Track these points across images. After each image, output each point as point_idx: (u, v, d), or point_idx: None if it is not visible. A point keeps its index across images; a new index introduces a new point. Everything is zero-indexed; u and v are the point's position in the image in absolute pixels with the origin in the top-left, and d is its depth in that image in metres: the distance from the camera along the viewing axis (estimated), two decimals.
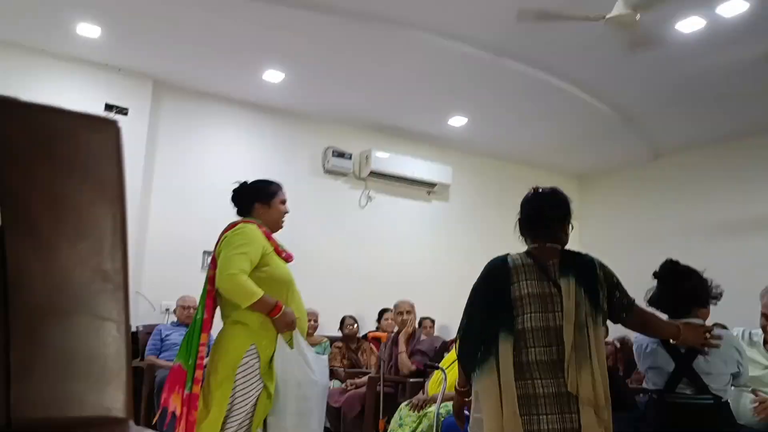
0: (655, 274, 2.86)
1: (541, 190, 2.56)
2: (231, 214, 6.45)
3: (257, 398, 2.74)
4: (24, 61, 5.32)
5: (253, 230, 2.94)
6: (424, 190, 7.57)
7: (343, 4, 4.58)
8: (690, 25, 4.61)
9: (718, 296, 2.79)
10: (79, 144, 0.50)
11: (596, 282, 2.32)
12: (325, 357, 3.14)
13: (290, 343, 2.84)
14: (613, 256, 8.01)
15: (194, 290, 5.71)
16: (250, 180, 3.26)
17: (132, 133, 5.67)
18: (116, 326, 0.50)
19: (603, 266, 2.40)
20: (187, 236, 6.03)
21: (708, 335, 2.53)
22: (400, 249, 7.28)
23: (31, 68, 5.35)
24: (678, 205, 7.55)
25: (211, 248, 6.44)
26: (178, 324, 5.40)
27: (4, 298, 0.47)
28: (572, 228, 2.54)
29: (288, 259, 3.05)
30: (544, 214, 2.46)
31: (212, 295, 2.97)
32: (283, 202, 3.20)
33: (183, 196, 6.09)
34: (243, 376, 2.74)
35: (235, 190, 3.22)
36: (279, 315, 2.78)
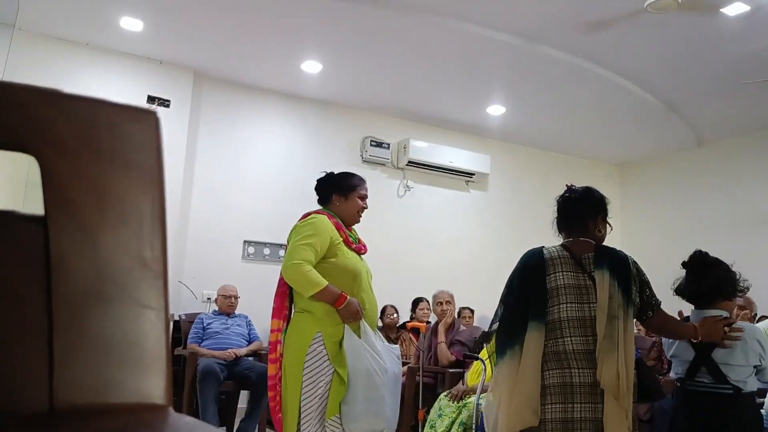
0: (684, 264, 2.89)
1: (574, 188, 2.63)
2: (271, 204, 6.53)
3: (329, 384, 2.79)
4: (69, 55, 5.44)
5: (322, 221, 2.95)
6: (462, 180, 7.53)
7: None
8: (734, 9, 4.48)
9: (744, 290, 2.84)
10: (119, 133, 0.51)
11: (630, 276, 2.38)
12: (396, 346, 3.18)
13: (358, 333, 2.87)
14: (655, 244, 7.94)
15: (235, 279, 5.81)
16: (333, 171, 3.25)
17: (174, 124, 5.76)
18: (155, 313, 0.51)
19: (636, 263, 2.45)
20: (228, 226, 6.12)
21: (727, 329, 2.58)
22: (438, 239, 7.26)
23: (76, 62, 5.47)
24: (722, 194, 7.36)
25: (251, 238, 6.55)
26: (220, 313, 5.48)
27: (48, 284, 0.48)
28: (611, 228, 2.61)
29: (359, 250, 3.07)
30: (577, 210, 2.55)
31: (283, 283, 3.01)
32: (363, 197, 3.15)
33: (223, 186, 6.17)
34: (311, 363, 2.80)
35: (318, 180, 3.22)
36: (344, 306, 2.81)
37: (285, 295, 3.03)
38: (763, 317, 4.73)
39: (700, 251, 2.88)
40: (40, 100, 0.48)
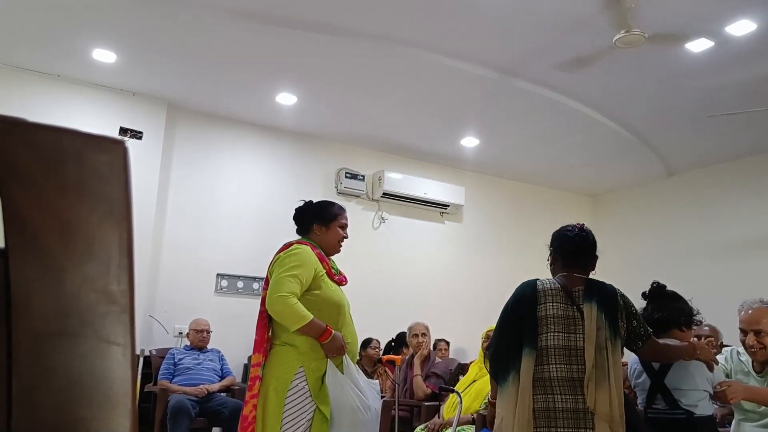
0: (643, 295, 3.04)
1: (582, 228, 2.76)
2: (244, 236, 6.49)
3: (310, 421, 2.71)
4: (40, 86, 5.40)
5: (306, 252, 2.89)
6: (437, 211, 7.56)
7: (354, 27, 4.62)
8: (699, 45, 4.60)
9: (698, 322, 3.01)
10: (86, 164, 0.50)
11: (617, 309, 2.49)
12: (377, 382, 3.11)
13: (340, 368, 2.82)
14: (626, 274, 8.00)
15: (208, 313, 5.73)
16: (313, 200, 3.22)
17: (146, 156, 5.72)
18: (122, 350, 0.49)
19: (624, 296, 2.57)
20: (201, 259, 6.05)
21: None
22: (413, 270, 7.25)
23: (47, 93, 5.42)
24: (692, 223, 7.48)
25: (225, 271, 6.48)
26: (191, 348, 5.39)
27: (7, 321, 0.46)
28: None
29: (341, 282, 3.02)
30: (587, 249, 2.69)
31: (264, 315, 2.92)
32: (344, 227, 3.11)
33: (197, 219, 6.12)
34: (293, 400, 2.71)
35: (297, 209, 3.17)
36: (328, 340, 2.75)
37: (266, 327, 2.93)
38: (726, 345, 4.76)
39: (658, 283, 3.03)
40: (2, 128, 0.46)
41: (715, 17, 4.27)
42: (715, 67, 4.94)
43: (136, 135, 5.71)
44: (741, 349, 3.27)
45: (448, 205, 7.44)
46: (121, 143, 0.55)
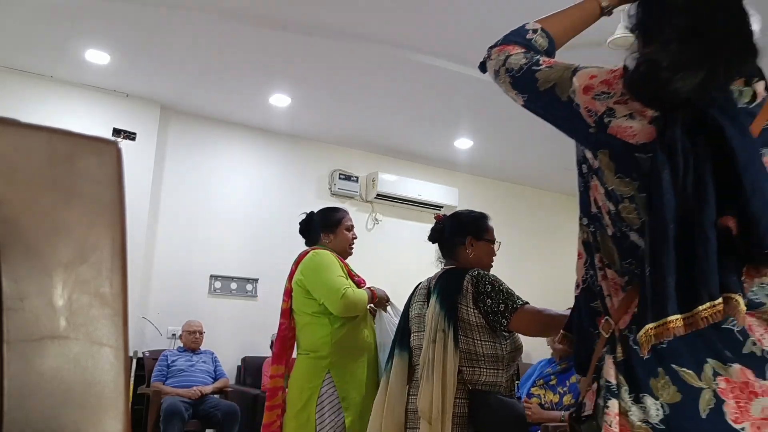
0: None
1: (440, 220, 2.59)
2: (238, 238, 6.46)
3: (344, 424, 2.73)
4: (33, 87, 5.38)
5: (329, 255, 2.97)
6: (431, 213, 7.55)
7: (348, 29, 4.61)
8: None
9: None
10: (78, 166, 0.49)
11: (458, 294, 2.24)
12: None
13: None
14: None
15: (201, 315, 5.71)
16: (311, 210, 3.26)
17: (140, 157, 5.70)
18: (114, 352, 0.49)
19: (479, 277, 2.24)
20: (194, 260, 6.04)
21: None
22: (407, 272, 7.23)
23: (40, 95, 5.40)
24: None
25: (218, 272, 6.45)
26: (185, 349, 5.37)
27: None
28: (494, 243, 2.50)
29: (360, 284, 3.08)
30: (444, 239, 2.52)
31: (285, 327, 2.98)
32: (350, 228, 3.19)
33: (190, 220, 6.10)
34: (324, 406, 2.74)
35: (301, 222, 3.21)
36: (378, 298, 2.98)
37: (286, 339, 2.98)
38: None
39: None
40: None
41: None
42: None
43: (130, 136, 5.70)
44: None
45: (442, 207, 7.44)
46: (114, 144, 0.55)
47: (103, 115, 5.65)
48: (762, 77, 1.14)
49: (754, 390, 0.97)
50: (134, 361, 5.24)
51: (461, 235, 2.45)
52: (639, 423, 1.01)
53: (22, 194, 0.49)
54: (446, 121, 6.37)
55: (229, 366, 5.85)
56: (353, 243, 3.18)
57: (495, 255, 2.53)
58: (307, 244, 3.17)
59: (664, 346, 1.02)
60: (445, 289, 2.30)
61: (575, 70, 1.25)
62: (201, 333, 5.43)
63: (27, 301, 0.46)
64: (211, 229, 6.18)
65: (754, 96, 1.11)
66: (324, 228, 3.10)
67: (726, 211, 1.00)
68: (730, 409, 0.97)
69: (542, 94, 1.28)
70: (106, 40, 4.85)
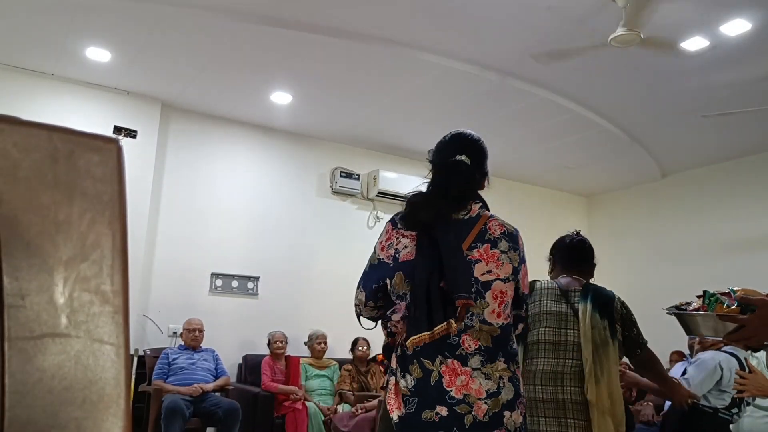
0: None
1: (579, 234, 2.92)
2: (239, 236, 6.46)
3: None
4: (34, 85, 5.38)
5: None
6: None
7: (349, 27, 4.61)
8: (694, 44, 4.62)
9: None
10: (79, 163, 0.49)
11: (614, 312, 2.59)
12: None
13: None
14: (621, 274, 8.05)
15: (202, 313, 5.72)
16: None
17: (140, 155, 5.70)
18: (115, 350, 0.49)
19: (623, 303, 2.67)
20: (195, 258, 6.04)
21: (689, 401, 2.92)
22: None
23: (41, 92, 5.40)
24: (686, 223, 7.51)
25: (219, 270, 6.46)
26: (185, 347, 5.37)
27: (0, 321, 0.45)
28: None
29: None
30: (586, 254, 2.83)
31: None
32: None
33: (191, 218, 6.10)
34: None
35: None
36: None
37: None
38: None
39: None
40: None
41: (710, 17, 4.28)
42: (709, 67, 4.96)
43: (131, 134, 5.70)
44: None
45: None
46: (115, 142, 0.55)
47: (104, 113, 5.65)
48: (479, 200, 2.15)
49: (458, 372, 1.84)
50: (135, 359, 5.24)
51: (593, 258, 2.87)
52: (403, 388, 1.87)
53: (23, 192, 0.48)
54: (447, 119, 6.35)
55: (230, 364, 5.86)
56: None
57: None
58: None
59: (418, 348, 1.87)
60: (600, 300, 2.60)
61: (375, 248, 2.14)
62: (201, 331, 5.43)
63: (28, 299, 0.46)
64: (212, 226, 6.19)
65: (470, 211, 2.08)
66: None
67: (442, 278, 1.88)
68: (445, 381, 1.83)
69: (373, 265, 2.11)
70: (107, 37, 4.85)
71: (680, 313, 2.19)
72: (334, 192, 6.93)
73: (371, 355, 6.14)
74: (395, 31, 4.66)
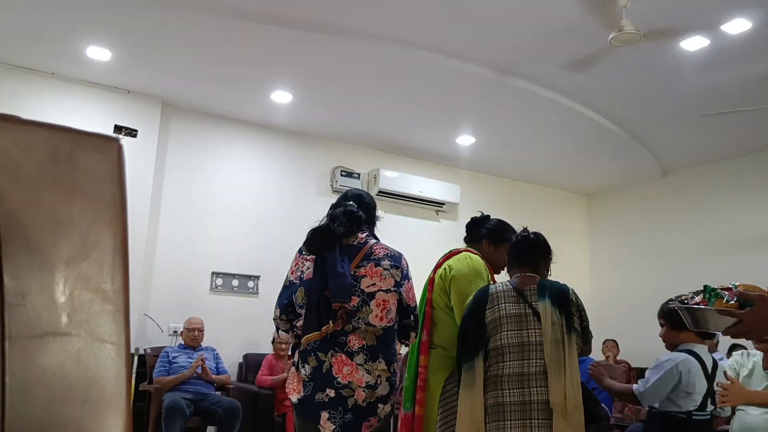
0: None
1: (526, 230, 2.89)
2: (239, 234, 6.45)
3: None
4: (34, 84, 5.38)
5: (480, 262, 2.98)
6: (432, 210, 7.56)
7: (349, 26, 4.61)
8: (694, 43, 4.61)
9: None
10: (80, 163, 0.49)
11: (570, 305, 2.61)
12: None
13: None
14: (622, 272, 8.04)
15: (202, 312, 5.72)
16: (485, 214, 3.25)
17: (141, 154, 5.70)
18: (116, 349, 0.49)
19: (576, 294, 2.69)
20: (196, 257, 6.04)
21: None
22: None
23: (41, 91, 5.40)
24: (686, 222, 7.51)
25: (220, 269, 6.45)
26: (185, 347, 5.37)
27: (0, 320, 0.45)
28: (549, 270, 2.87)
29: None
30: (533, 250, 2.80)
31: (430, 316, 3.00)
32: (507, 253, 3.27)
33: (191, 217, 6.10)
34: (446, 404, 2.79)
35: (473, 218, 3.23)
36: None
37: (430, 329, 3.00)
38: (737, 346, 4.77)
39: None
40: None
41: (711, 15, 4.28)
42: (710, 66, 4.96)
43: (131, 133, 5.69)
44: (753, 350, 3.35)
45: (444, 204, 7.44)
46: (116, 141, 0.55)
47: (105, 112, 5.65)
48: (366, 231, 2.58)
49: (345, 363, 2.28)
50: (135, 358, 5.24)
51: (545, 253, 2.83)
52: (303, 375, 2.33)
53: (24, 191, 0.49)
54: (448, 118, 6.36)
55: (231, 362, 5.86)
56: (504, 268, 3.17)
57: None
58: (466, 240, 3.18)
59: (315, 344, 2.32)
60: (557, 296, 2.62)
61: None
62: (201, 330, 5.43)
63: (29, 298, 0.46)
64: (212, 225, 6.19)
65: (358, 239, 2.50)
66: (489, 238, 3.10)
67: (328, 287, 2.32)
68: (334, 370, 2.29)
69: (285, 286, 2.59)
70: (108, 36, 4.85)
71: (688, 307, 2.18)
72: (335, 191, 6.93)
73: None
74: (397, 29, 4.66)
